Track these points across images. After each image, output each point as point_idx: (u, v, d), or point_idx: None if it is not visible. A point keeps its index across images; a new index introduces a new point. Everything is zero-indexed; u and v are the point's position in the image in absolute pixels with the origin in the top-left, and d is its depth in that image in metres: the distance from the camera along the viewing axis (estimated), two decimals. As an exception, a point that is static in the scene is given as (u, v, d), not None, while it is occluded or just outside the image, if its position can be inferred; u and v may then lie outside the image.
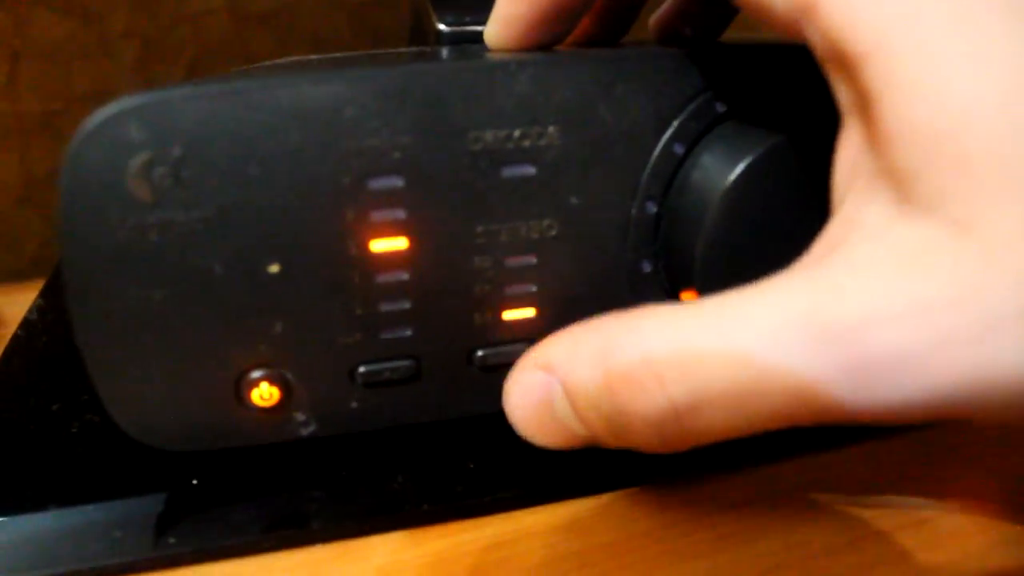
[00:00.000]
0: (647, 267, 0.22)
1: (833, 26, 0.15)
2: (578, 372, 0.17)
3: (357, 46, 0.48)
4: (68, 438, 0.24)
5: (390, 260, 0.20)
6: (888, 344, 0.14)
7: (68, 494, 0.22)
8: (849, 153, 0.16)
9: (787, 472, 0.23)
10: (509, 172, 0.20)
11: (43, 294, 0.34)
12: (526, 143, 0.20)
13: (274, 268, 0.19)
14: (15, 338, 0.30)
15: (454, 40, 0.29)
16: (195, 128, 0.18)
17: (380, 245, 0.20)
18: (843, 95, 0.16)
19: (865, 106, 0.15)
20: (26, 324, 0.31)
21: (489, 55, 0.21)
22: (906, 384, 0.14)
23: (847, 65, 0.15)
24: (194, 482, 0.22)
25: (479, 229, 0.20)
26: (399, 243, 0.20)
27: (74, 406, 0.25)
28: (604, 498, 0.22)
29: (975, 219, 0.13)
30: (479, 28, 0.29)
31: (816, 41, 0.16)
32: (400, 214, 0.20)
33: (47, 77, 0.43)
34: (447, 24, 0.29)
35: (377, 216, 0.19)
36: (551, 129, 0.20)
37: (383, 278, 0.20)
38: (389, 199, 0.19)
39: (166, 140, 0.18)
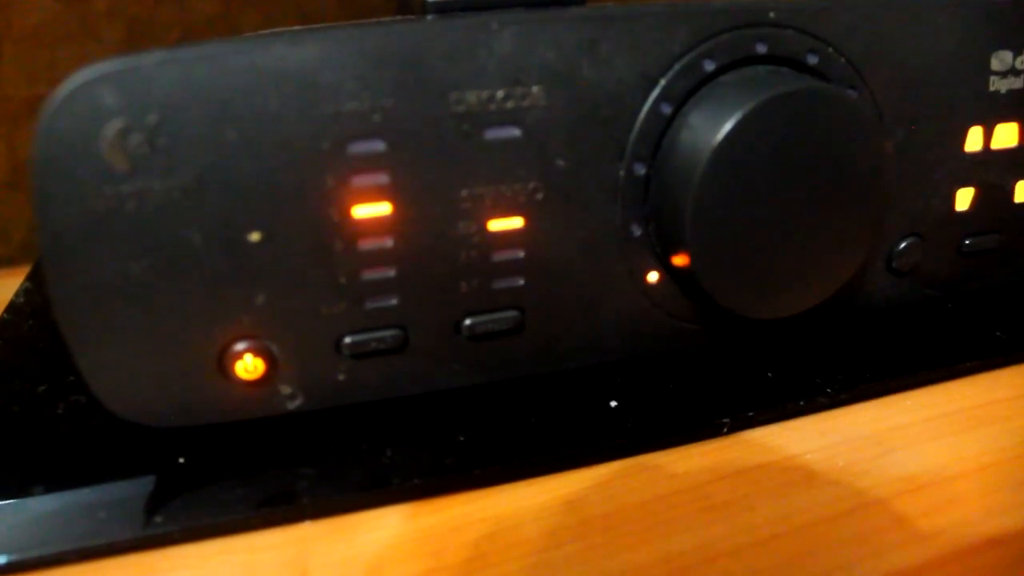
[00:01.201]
0: (637, 230, 0.22)
1: None
2: None
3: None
4: (54, 420, 0.24)
5: (373, 226, 0.20)
6: None
7: (54, 476, 0.22)
8: None
9: (782, 439, 0.23)
10: (493, 134, 0.20)
11: (30, 277, 0.34)
12: (510, 104, 0.20)
13: (255, 236, 0.19)
14: (1, 321, 0.30)
15: (440, 10, 0.29)
16: (171, 94, 0.18)
17: (363, 211, 0.20)
18: None
19: None
20: (12, 307, 0.31)
21: (471, 16, 0.21)
22: None
23: None
24: (181, 461, 0.22)
25: (463, 193, 0.20)
26: (382, 208, 0.20)
27: (60, 387, 0.25)
28: (597, 470, 0.22)
29: None
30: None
31: None
32: (382, 179, 0.19)
33: (31, 60, 0.43)
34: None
35: (359, 181, 0.19)
36: (535, 89, 0.20)
37: (367, 245, 0.20)
38: (371, 163, 0.19)
39: (141, 106, 0.18)
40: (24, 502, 0.21)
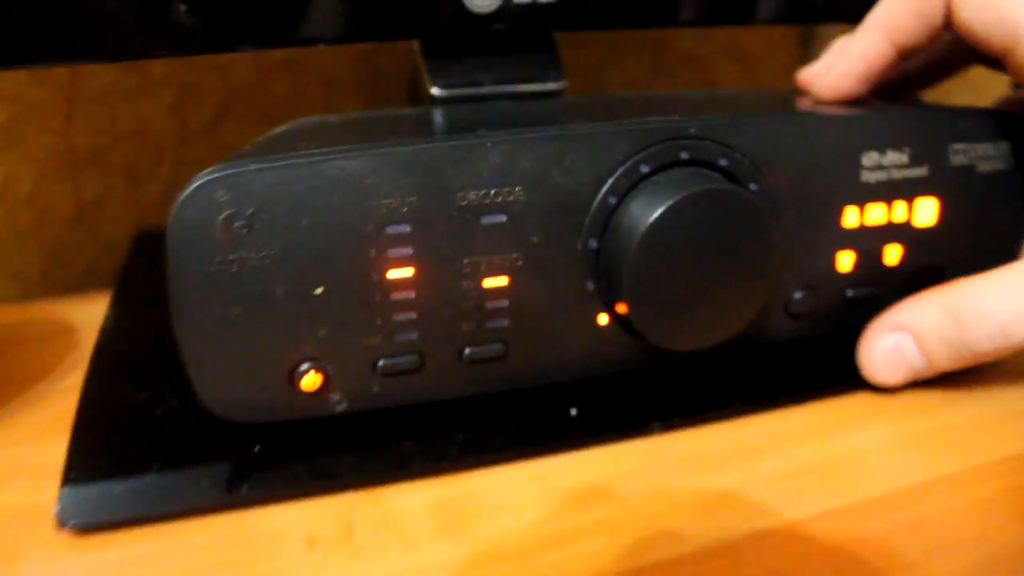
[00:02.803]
0: (591, 286, 0.31)
1: None
2: (927, 321, 0.33)
3: (361, 86, 0.57)
4: (154, 420, 0.33)
5: (401, 284, 0.29)
6: None
7: (166, 459, 0.31)
8: None
9: (703, 440, 0.32)
10: (487, 220, 0.29)
11: (113, 306, 0.43)
12: (499, 199, 0.29)
13: (319, 290, 0.28)
14: (99, 345, 0.39)
15: (446, 102, 0.38)
16: (264, 191, 0.27)
17: (394, 273, 0.29)
18: None
19: None
20: (105, 332, 0.40)
21: (472, 134, 0.30)
22: None
23: None
24: (256, 448, 0.31)
25: (465, 261, 0.29)
26: (408, 272, 0.29)
27: (158, 394, 0.34)
28: (559, 457, 0.31)
29: None
30: (467, 92, 0.39)
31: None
32: (408, 251, 0.29)
33: (96, 117, 0.52)
34: (440, 88, 0.38)
35: (392, 253, 0.28)
36: (517, 189, 0.29)
37: (396, 297, 0.29)
38: (400, 240, 0.28)
39: (243, 200, 0.27)
40: (144, 478, 0.30)
